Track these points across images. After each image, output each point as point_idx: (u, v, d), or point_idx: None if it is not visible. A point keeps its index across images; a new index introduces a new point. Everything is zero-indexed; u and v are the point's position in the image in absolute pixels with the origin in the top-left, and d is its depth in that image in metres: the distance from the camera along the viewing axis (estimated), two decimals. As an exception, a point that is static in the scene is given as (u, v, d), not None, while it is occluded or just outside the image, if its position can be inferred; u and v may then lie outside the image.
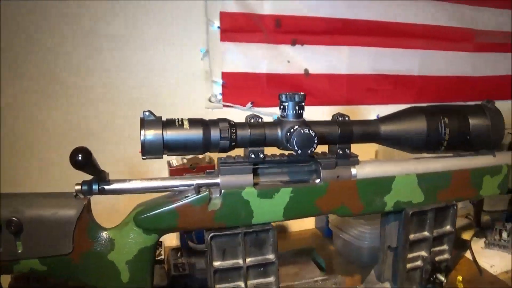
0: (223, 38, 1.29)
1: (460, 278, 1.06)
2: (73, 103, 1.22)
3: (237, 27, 1.29)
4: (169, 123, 0.65)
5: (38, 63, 1.17)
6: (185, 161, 1.23)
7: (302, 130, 0.66)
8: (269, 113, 1.35)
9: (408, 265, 0.82)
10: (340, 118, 0.74)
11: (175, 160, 1.24)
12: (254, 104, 1.35)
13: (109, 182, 0.67)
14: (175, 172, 1.20)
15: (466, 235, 1.32)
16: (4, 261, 0.65)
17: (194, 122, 0.66)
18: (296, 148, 0.66)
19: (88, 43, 1.20)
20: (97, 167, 0.64)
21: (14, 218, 0.64)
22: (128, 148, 1.17)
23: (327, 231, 1.37)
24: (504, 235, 1.22)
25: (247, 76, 1.34)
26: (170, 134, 0.64)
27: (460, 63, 1.63)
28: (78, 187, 0.66)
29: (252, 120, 0.69)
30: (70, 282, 0.77)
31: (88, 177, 0.66)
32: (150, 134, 0.63)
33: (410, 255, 0.82)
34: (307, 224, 1.48)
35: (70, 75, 1.20)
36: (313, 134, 0.66)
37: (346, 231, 1.23)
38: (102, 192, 0.66)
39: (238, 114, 1.34)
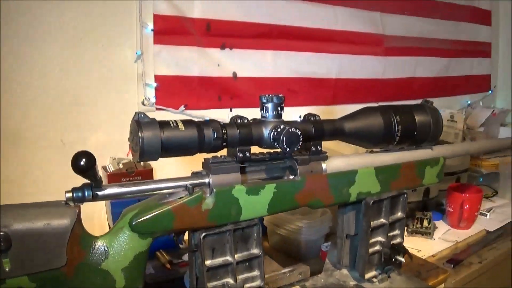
0: (156, 41, 1.28)
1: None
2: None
3: (170, 30, 1.29)
4: (165, 125, 0.65)
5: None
6: (121, 165, 1.20)
7: (290, 129, 0.71)
8: (201, 116, 1.37)
9: (369, 250, 0.90)
10: (312, 118, 0.80)
11: (111, 165, 1.21)
12: (187, 107, 1.36)
13: (101, 188, 0.64)
14: (112, 178, 1.17)
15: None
16: None
17: (188, 123, 0.67)
18: (285, 146, 0.71)
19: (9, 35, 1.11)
20: (97, 173, 0.62)
21: (1, 233, 0.58)
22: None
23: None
24: (425, 223, 1.38)
25: (180, 79, 1.34)
26: (167, 135, 0.64)
27: (372, 66, 1.80)
28: (69, 195, 0.63)
29: (239, 121, 0.72)
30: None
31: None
32: (149, 135, 0.63)
33: (370, 241, 0.90)
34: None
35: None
36: (299, 132, 0.71)
37: (282, 226, 1.27)
38: (95, 198, 0.64)
39: (170, 117, 1.33)
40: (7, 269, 0.60)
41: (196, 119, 0.69)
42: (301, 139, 0.72)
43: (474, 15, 2.26)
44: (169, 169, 1.17)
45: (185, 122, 0.67)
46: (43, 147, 1.18)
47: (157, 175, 1.22)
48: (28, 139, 1.16)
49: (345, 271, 0.95)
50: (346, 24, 1.68)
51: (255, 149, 0.76)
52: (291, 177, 0.78)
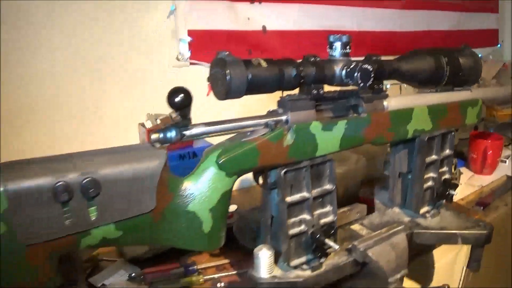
0: (189, -4, 1.28)
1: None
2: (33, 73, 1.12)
3: (202, -15, 1.29)
4: (248, 63, 0.66)
5: None
6: (158, 121, 1.20)
7: (362, 66, 0.73)
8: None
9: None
10: (374, 58, 0.82)
11: (149, 121, 1.21)
12: None
13: (188, 128, 0.65)
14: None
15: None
16: (72, 235, 0.58)
17: (269, 62, 0.68)
18: (359, 81, 0.73)
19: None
20: (190, 112, 0.63)
21: (90, 178, 0.57)
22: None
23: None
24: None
25: (212, 34, 1.34)
26: (252, 73, 0.66)
27: (391, 20, 1.82)
28: (156, 136, 0.63)
29: (312, 59, 0.74)
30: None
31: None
32: (236, 73, 0.64)
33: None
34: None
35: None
36: (371, 68, 0.73)
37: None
38: (182, 138, 0.64)
39: (204, 72, 1.34)
40: (93, 218, 0.59)
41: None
42: (372, 75, 0.74)
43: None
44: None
45: (266, 61, 0.68)
46: (76, 111, 1.19)
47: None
48: (61, 107, 1.16)
49: (397, 210, 0.98)
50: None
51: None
52: (361, 114, 0.81)
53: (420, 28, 1.96)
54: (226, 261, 1.04)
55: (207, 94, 0.65)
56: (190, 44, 1.30)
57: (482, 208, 1.30)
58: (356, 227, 0.92)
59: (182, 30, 1.29)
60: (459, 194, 1.36)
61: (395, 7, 1.82)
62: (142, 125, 1.19)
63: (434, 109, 0.91)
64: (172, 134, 0.64)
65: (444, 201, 0.97)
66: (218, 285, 0.95)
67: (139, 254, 1.05)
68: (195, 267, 0.99)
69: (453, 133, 0.96)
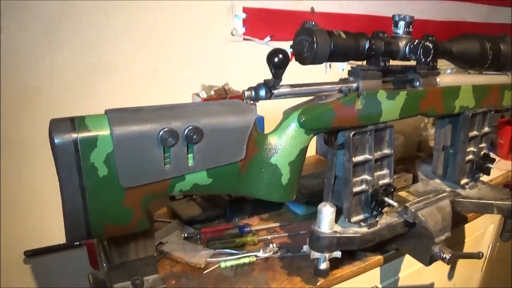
0: (245, -25, 1.36)
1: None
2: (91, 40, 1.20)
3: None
4: (331, 33, 0.75)
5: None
6: (212, 92, 1.28)
7: (425, 43, 0.82)
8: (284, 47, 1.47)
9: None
10: (430, 38, 0.91)
11: (204, 92, 1.28)
12: (272, 38, 1.45)
13: (275, 87, 0.73)
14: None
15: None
16: (168, 179, 0.65)
17: (348, 34, 0.77)
18: (421, 57, 0.82)
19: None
20: (283, 73, 0.71)
21: (193, 126, 0.63)
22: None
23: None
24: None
25: (265, 12, 1.43)
26: (335, 42, 0.74)
27: (426, 8, 1.92)
28: (249, 93, 0.71)
29: (381, 35, 0.83)
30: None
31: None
32: (322, 41, 0.72)
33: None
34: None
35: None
36: (431, 46, 0.82)
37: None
38: (271, 96, 0.72)
39: (256, 47, 1.43)
40: (190, 164, 0.65)
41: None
42: (432, 52, 0.83)
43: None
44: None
45: (345, 33, 0.77)
46: (137, 75, 1.27)
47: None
48: (118, 68, 1.24)
49: (438, 181, 1.07)
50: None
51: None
52: (419, 87, 0.89)
53: (453, 18, 2.06)
54: (276, 224, 1.12)
55: (290, 60, 0.71)
56: (244, 20, 1.39)
57: (509, 189, 1.38)
58: (403, 193, 1.01)
59: (238, 7, 1.37)
60: (486, 176, 1.45)
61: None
62: (197, 95, 1.27)
63: (478, 89, 1.00)
64: (262, 92, 0.71)
65: (481, 174, 1.06)
66: (271, 245, 1.03)
67: (193, 215, 1.13)
68: (249, 228, 1.07)
69: (492, 112, 1.05)
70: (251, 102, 0.73)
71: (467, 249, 1.32)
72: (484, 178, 1.40)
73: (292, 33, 0.76)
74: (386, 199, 0.84)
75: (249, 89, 0.72)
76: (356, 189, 0.85)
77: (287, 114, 0.78)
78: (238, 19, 1.38)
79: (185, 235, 1.06)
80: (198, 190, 0.70)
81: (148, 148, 0.63)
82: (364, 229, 0.87)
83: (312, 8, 1.54)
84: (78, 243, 1.24)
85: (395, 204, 0.84)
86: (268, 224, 1.13)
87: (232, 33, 1.38)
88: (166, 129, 0.63)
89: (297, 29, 0.76)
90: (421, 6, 1.90)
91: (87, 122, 0.60)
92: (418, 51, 0.81)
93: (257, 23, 1.41)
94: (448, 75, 0.96)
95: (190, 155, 0.66)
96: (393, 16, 0.85)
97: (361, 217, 0.87)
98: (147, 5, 1.23)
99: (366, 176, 0.86)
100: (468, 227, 1.27)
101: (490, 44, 0.98)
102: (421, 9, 1.90)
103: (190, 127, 0.64)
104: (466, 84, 0.98)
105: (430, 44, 0.82)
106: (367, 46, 0.78)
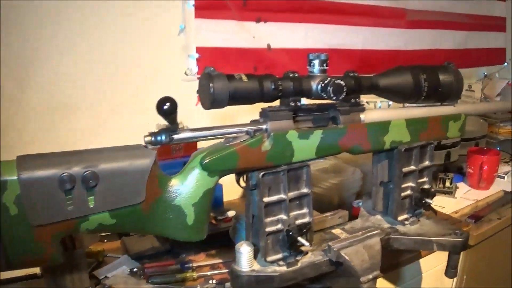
0: (197, 15, 1.38)
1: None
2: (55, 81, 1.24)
3: (209, 5, 1.40)
4: (231, 77, 0.76)
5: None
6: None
7: (335, 81, 0.81)
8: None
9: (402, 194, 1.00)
10: (352, 74, 0.90)
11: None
12: None
13: (176, 132, 0.74)
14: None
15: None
16: (73, 219, 0.68)
17: (250, 76, 0.77)
18: (332, 95, 0.81)
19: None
20: (176, 117, 0.72)
21: (90, 171, 0.67)
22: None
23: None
24: (448, 183, 1.49)
25: (218, 51, 1.44)
26: (234, 86, 0.75)
27: (395, 39, 1.89)
28: (149, 138, 0.73)
29: (291, 75, 0.83)
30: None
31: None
32: (219, 86, 0.73)
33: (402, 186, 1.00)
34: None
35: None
36: (343, 83, 0.82)
37: (317, 185, 1.37)
38: (170, 141, 0.74)
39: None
40: (91, 206, 0.69)
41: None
42: (345, 89, 0.82)
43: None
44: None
45: (247, 75, 0.77)
46: (93, 116, 1.31)
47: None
48: (80, 107, 1.29)
49: (379, 216, 1.05)
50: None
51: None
52: (338, 125, 0.89)
53: (425, 47, 2.02)
54: (220, 260, 1.13)
55: (196, 104, 0.73)
56: (197, 60, 1.41)
57: (474, 221, 1.34)
58: (337, 231, 0.99)
59: (191, 47, 1.40)
60: (453, 207, 1.41)
61: (400, 26, 1.88)
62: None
63: (413, 122, 0.98)
64: (162, 137, 0.74)
65: (422, 209, 1.03)
66: (210, 281, 1.04)
67: (142, 251, 1.15)
68: (190, 264, 1.09)
69: (432, 145, 1.02)
70: (152, 147, 0.74)
71: (428, 284, 1.29)
72: (448, 209, 1.38)
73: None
74: (299, 238, 0.83)
75: (150, 134, 0.74)
76: (271, 228, 0.84)
77: (194, 156, 0.79)
78: (191, 59, 1.40)
79: (130, 270, 1.07)
80: (104, 229, 0.74)
81: (52, 191, 0.67)
82: (283, 268, 0.86)
83: (269, 45, 1.55)
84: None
85: (306, 243, 0.83)
86: (213, 260, 1.14)
87: (186, 73, 1.40)
88: (65, 173, 0.67)
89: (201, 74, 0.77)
90: (388, 34, 1.89)
91: (1, 167, 0.65)
92: (328, 90, 0.81)
93: (211, 62, 1.42)
94: (375, 110, 0.95)
95: (91, 197, 0.69)
96: (308, 55, 0.85)
97: (279, 256, 0.86)
98: (107, 50, 1.30)
99: (281, 216, 0.85)
100: (426, 260, 1.24)
101: (426, 75, 0.97)
102: (388, 38, 1.89)
103: (88, 172, 0.68)
104: (399, 118, 0.96)
105: (342, 82, 0.82)
106: (271, 87, 0.78)
